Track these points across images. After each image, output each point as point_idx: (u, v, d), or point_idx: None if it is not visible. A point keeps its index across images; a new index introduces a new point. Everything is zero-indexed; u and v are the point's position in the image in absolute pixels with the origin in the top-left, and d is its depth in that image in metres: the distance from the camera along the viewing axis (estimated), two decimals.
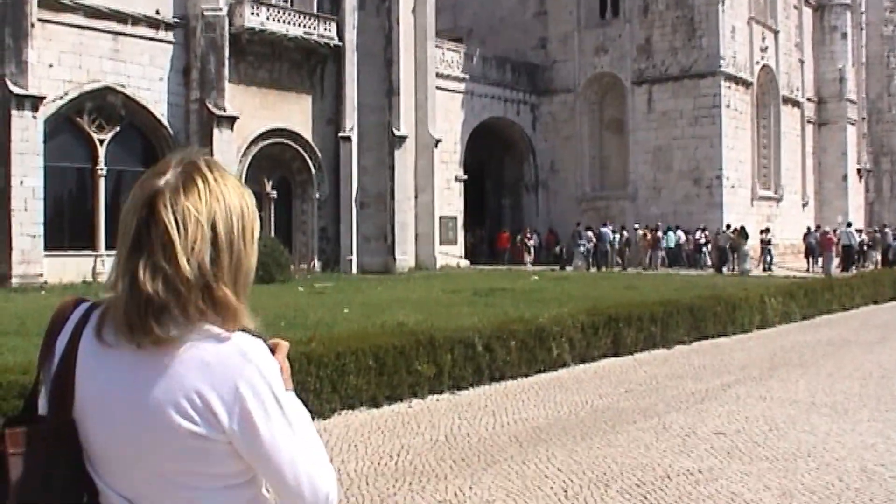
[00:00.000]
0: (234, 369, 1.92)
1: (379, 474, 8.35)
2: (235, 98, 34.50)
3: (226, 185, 2.01)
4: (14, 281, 27.48)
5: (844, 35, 60.63)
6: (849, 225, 46.88)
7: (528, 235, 48.80)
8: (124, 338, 1.94)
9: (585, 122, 51.36)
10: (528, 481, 8.07)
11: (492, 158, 52.61)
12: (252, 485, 2.05)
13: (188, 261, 1.91)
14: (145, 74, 32.36)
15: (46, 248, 28.77)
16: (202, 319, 1.94)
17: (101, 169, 31.44)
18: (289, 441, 1.98)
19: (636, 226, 46.75)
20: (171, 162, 2.03)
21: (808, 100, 58.11)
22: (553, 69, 52.08)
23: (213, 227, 1.96)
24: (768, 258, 43.81)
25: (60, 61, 30.00)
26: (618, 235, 45.72)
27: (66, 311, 2.09)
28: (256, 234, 2.07)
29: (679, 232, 46.02)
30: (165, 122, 32.79)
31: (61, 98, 30.00)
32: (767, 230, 45.59)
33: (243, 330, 2.01)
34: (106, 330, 1.97)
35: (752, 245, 43.64)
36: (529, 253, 48.17)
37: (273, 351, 2.10)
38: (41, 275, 28.16)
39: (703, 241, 45.30)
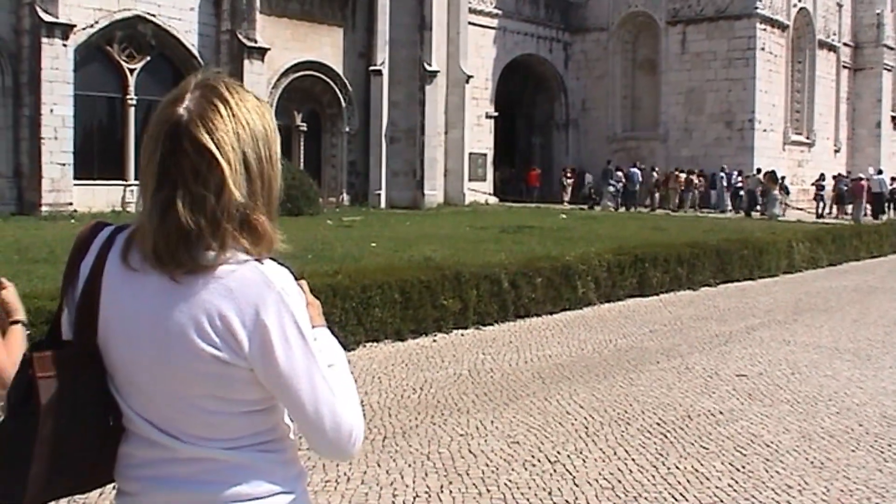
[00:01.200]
0: (256, 296, 1.93)
1: (402, 407, 8.44)
2: (266, 29, 34.36)
3: (247, 108, 1.98)
4: (44, 209, 27.66)
5: None
6: (880, 172, 46.45)
7: (568, 175, 48.34)
8: (151, 266, 1.95)
9: (618, 62, 50.82)
10: (550, 417, 8.15)
11: (523, 96, 52.24)
12: (273, 412, 2.07)
13: (238, 189, 1.91)
14: (176, 4, 32.22)
15: (76, 177, 28.89)
16: (234, 245, 1.94)
17: (132, 98, 31.45)
18: (309, 371, 1.98)
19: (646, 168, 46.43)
20: (188, 87, 1.99)
21: (845, 44, 57.20)
22: (587, 7, 51.46)
23: (244, 155, 1.94)
24: (821, 205, 43.67)
25: None
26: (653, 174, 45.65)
27: (89, 236, 2.10)
28: (278, 153, 2.06)
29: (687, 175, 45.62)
30: (196, 53, 32.70)
31: (91, 26, 29.94)
32: (823, 177, 45.33)
33: (271, 258, 2.02)
34: (132, 256, 1.97)
35: (797, 190, 43.47)
36: (567, 192, 47.72)
37: None
38: (71, 203, 28.33)
39: (738, 184, 44.87)
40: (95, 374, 2.01)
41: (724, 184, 44.99)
